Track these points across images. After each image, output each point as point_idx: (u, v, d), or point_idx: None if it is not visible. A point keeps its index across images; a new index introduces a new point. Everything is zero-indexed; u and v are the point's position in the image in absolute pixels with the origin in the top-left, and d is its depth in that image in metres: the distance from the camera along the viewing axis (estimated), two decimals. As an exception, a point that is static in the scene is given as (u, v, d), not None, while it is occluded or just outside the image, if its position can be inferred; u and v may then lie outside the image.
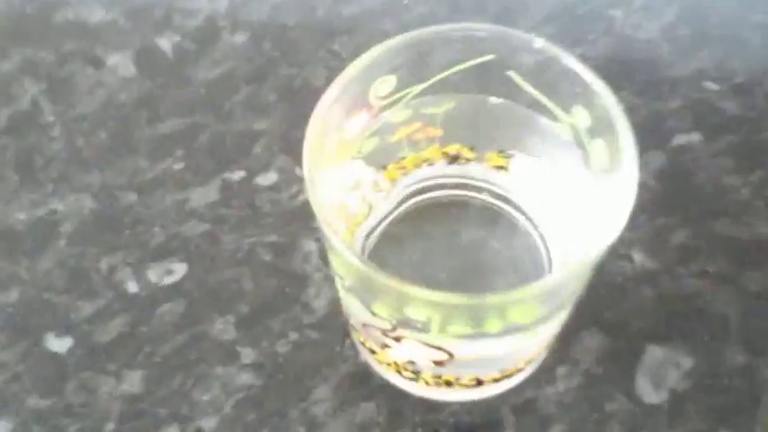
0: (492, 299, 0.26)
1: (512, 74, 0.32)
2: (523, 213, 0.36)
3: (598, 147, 0.30)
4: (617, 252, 0.39)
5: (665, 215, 0.40)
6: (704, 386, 0.36)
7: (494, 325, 0.28)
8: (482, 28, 0.31)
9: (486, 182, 0.36)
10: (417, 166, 0.36)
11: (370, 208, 0.35)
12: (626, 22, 0.46)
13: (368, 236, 0.35)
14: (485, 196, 0.36)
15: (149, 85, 0.44)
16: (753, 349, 0.37)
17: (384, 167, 0.35)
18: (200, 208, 0.41)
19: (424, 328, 0.29)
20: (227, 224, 0.40)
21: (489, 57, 0.31)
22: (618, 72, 0.44)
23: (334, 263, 0.30)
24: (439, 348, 0.31)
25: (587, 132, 0.31)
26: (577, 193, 0.32)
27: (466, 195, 0.36)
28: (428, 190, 0.36)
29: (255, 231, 0.40)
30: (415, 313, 0.28)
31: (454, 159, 0.36)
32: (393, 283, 0.27)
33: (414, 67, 0.32)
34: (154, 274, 0.39)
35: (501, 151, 0.35)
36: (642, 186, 0.39)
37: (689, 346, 0.37)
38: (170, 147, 0.43)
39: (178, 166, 0.42)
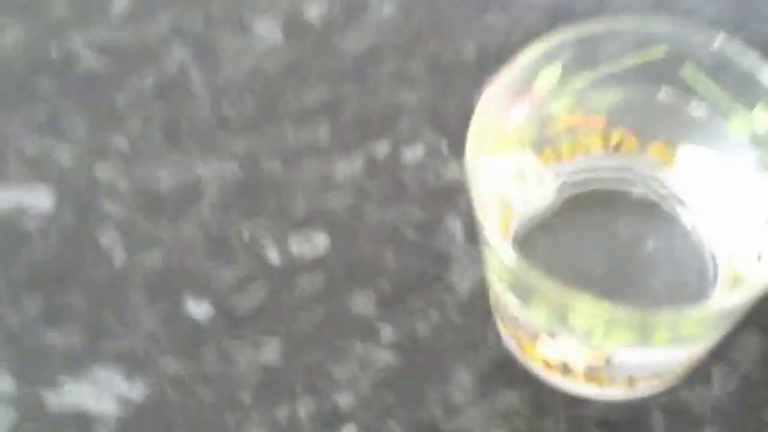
0: (663, 316, 0.25)
1: (686, 70, 0.30)
2: (687, 211, 0.34)
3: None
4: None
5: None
6: None
7: (662, 338, 0.27)
8: (656, 21, 0.29)
9: (649, 175, 0.34)
10: (574, 152, 0.34)
11: (526, 198, 0.34)
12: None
13: (521, 225, 0.34)
14: (645, 190, 0.34)
15: (296, 54, 0.44)
16: None
17: (540, 153, 0.34)
18: (344, 180, 0.40)
19: (586, 335, 0.28)
20: (370, 198, 0.40)
21: (661, 52, 0.30)
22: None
23: (489, 257, 0.29)
24: (597, 351, 0.29)
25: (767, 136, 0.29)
26: (749, 197, 0.31)
27: (625, 188, 0.35)
28: (586, 181, 0.35)
29: (399, 207, 0.39)
30: (577, 320, 0.27)
31: (616, 148, 0.34)
32: (554, 289, 0.26)
33: (581, 60, 0.30)
34: (295, 245, 0.39)
35: (667, 142, 0.33)
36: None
37: None
38: (315, 117, 0.42)
39: (323, 136, 0.41)
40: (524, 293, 0.29)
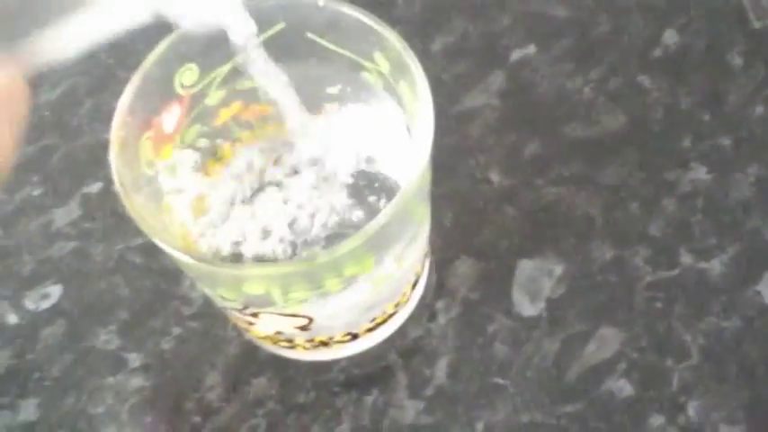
0: (317, 260, 0.27)
1: (310, 35, 0.32)
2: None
3: (402, 87, 0.31)
4: (474, 177, 0.40)
5: (514, 131, 0.41)
6: (578, 288, 0.37)
7: (333, 283, 0.29)
8: (266, 1, 0.31)
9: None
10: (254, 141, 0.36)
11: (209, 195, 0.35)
12: (445, -50, 0.46)
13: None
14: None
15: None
16: (619, 242, 0.38)
17: (221, 154, 0.35)
18: (64, 227, 0.41)
19: (269, 301, 0.29)
20: (93, 237, 0.40)
21: (282, 25, 0.32)
22: (446, 2, 0.45)
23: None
24: (294, 315, 0.31)
25: (391, 76, 0.31)
26: (399, 135, 0.33)
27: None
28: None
29: (122, 238, 0.40)
30: (253, 289, 0.29)
31: None
32: (218, 268, 0.27)
33: (211, 50, 0.32)
34: (31, 302, 0.39)
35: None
36: (487, 107, 0.40)
37: (558, 254, 0.38)
38: (25, 174, 0.42)
39: (37, 191, 0.42)
40: (209, 283, 0.30)
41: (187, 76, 0.32)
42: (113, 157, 0.29)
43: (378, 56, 0.31)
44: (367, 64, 0.32)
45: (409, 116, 0.32)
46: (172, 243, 0.27)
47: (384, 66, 0.31)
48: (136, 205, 0.28)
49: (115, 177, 0.28)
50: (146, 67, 0.30)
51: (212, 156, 0.34)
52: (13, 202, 0.42)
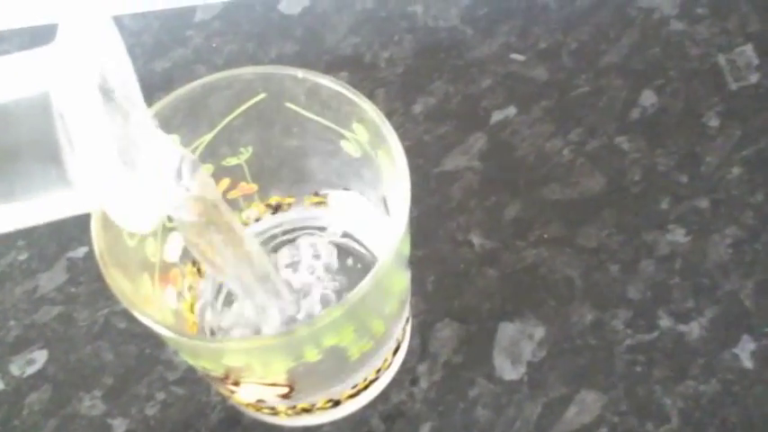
0: (296, 333, 0.27)
1: (289, 105, 0.33)
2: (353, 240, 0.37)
3: (380, 157, 0.31)
4: (456, 239, 0.40)
5: (495, 193, 0.41)
6: (559, 352, 0.38)
7: (312, 354, 0.29)
8: (247, 71, 0.32)
9: (310, 219, 0.37)
10: (245, 224, 0.37)
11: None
12: (426, 15, 0.47)
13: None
14: (311, 233, 0.37)
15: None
16: (598, 305, 0.38)
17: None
18: (50, 292, 0.41)
19: (249, 372, 0.30)
20: (78, 302, 0.41)
21: (262, 95, 0.32)
22: (428, 65, 0.45)
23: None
24: (275, 384, 0.31)
25: (369, 145, 0.32)
26: (381, 210, 0.33)
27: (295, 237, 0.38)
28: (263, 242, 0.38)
29: (107, 302, 0.41)
30: (233, 362, 0.29)
31: (277, 209, 0.37)
32: (198, 342, 0.28)
33: (192, 121, 0.32)
34: (16, 367, 0.40)
35: (316, 194, 0.36)
36: (468, 169, 0.41)
37: (538, 316, 0.38)
38: (11, 239, 0.43)
39: (22, 256, 0.42)
40: (190, 355, 0.31)
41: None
42: (95, 228, 0.29)
43: (356, 126, 0.31)
44: (346, 133, 0.32)
45: (386, 186, 0.32)
46: (151, 315, 0.28)
47: (363, 135, 0.32)
48: (115, 276, 0.28)
49: (96, 248, 0.29)
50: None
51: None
52: (0, 265, 0.42)
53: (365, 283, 0.28)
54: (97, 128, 0.21)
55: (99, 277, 0.40)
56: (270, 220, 0.38)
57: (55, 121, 0.21)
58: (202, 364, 0.31)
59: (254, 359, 0.29)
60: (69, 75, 0.21)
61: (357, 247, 0.38)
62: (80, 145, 0.21)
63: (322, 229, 0.38)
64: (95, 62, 0.22)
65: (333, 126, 0.33)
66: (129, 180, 0.23)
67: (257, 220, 0.37)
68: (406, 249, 0.31)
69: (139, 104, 0.25)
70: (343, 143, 0.33)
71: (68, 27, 0.22)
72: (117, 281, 0.28)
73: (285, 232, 0.38)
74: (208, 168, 0.34)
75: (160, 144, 0.26)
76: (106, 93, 0.23)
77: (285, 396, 0.33)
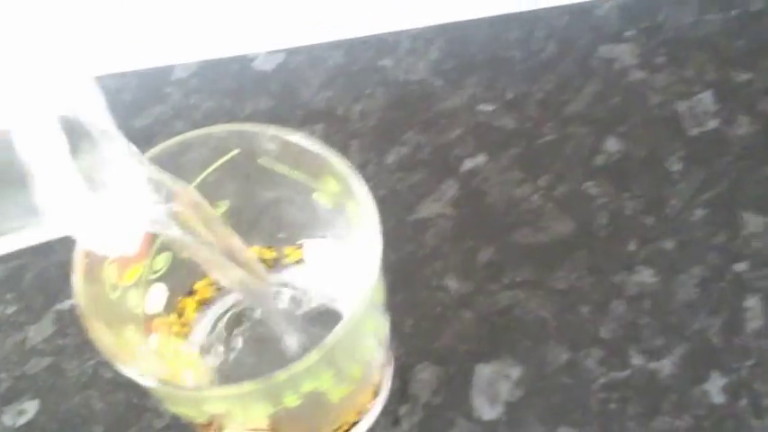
0: (274, 379, 0.28)
1: (262, 161, 0.34)
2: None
3: (351, 208, 0.32)
4: (431, 284, 0.41)
5: (468, 239, 0.43)
6: (535, 390, 0.38)
7: (292, 399, 0.30)
8: (221, 129, 0.33)
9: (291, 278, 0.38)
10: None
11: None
12: (397, 68, 0.48)
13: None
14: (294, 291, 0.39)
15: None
16: (572, 344, 0.39)
17: (193, 291, 0.37)
18: (39, 344, 0.42)
19: (232, 418, 0.30)
20: (66, 353, 0.41)
21: (236, 151, 0.33)
22: (399, 117, 0.47)
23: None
24: (257, 430, 0.32)
25: (340, 195, 0.33)
26: (354, 258, 0.34)
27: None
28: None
29: (95, 352, 0.41)
30: (214, 408, 0.30)
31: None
32: (178, 390, 0.28)
33: (175, 171, 0.33)
34: (8, 418, 0.40)
35: (293, 244, 0.37)
36: (441, 216, 0.42)
37: (514, 357, 0.39)
38: (0, 293, 0.43)
39: (10, 309, 0.43)
40: (173, 402, 0.31)
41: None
42: (76, 283, 0.30)
43: (327, 179, 0.33)
44: (318, 185, 0.33)
45: (358, 235, 0.33)
46: (133, 366, 0.28)
47: (333, 187, 0.33)
48: (97, 329, 0.29)
49: (78, 302, 0.30)
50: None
51: (186, 293, 0.36)
52: (-14, 321, 0.43)
53: (339, 329, 0.29)
54: (55, 155, 0.21)
55: (84, 330, 0.41)
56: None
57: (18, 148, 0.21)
58: (185, 412, 0.31)
59: (235, 406, 0.30)
60: (25, 105, 0.21)
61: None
62: (40, 173, 0.21)
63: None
64: (54, 93, 0.23)
65: (304, 180, 0.34)
66: (98, 204, 0.23)
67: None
68: (380, 296, 0.32)
69: (114, 133, 0.26)
70: (315, 195, 0.34)
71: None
72: (99, 333, 0.29)
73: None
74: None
75: (135, 164, 0.26)
76: (68, 121, 0.23)
77: (268, 441, 0.33)
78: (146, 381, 0.28)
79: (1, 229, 0.23)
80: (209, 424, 0.32)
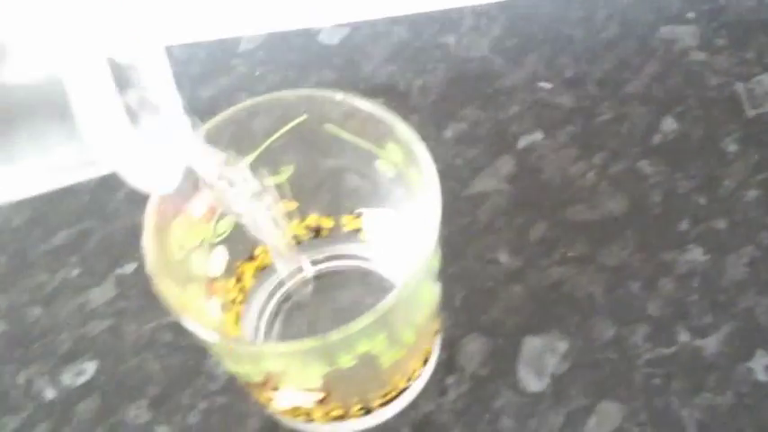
0: (330, 338, 0.29)
1: (328, 127, 0.35)
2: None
3: (412, 174, 0.33)
4: (483, 258, 0.42)
5: (522, 214, 0.43)
6: (581, 364, 0.39)
7: (346, 360, 0.31)
8: (290, 94, 0.34)
9: (348, 249, 0.40)
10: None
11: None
12: (458, 45, 0.49)
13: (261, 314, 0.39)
14: (351, 262, 0.40)
15: (38, 203, 0.47)
16: (619, 320, 0.40)
17: (252, 256, 0.38)
18: (100, 306, 0.44)
19: (288, 377, 0.32)
20: (126, 316, 0.43)
21: (304, 116, 0.35)
22: (459, 92, 0.48)
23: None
24: (311, 390, 0.33)
25: (403, 163, 0.34)
26: (413, 227, 0.36)
27: (337, 266, 0.41)
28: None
29: (153, 316, 0.43)
30: (272, 366, 0.31)
31: (317, 232, 0.39)
32: (238, 346, 0.30)
33: (236, 142, 0.34)
34: (68, 377, 0.42)
35: (351, 213, 0.39)
36: (496, 191, 0.43)
37: (562, 331, 0.40)
38: (65, 256, 0.45)
39: (75, 271, 0.45)
40: (232, 360, 0.33)
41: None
42: (147, 241, 0.31)
43: (390, 146, 0.34)
44: (381, 153, 0.34)
45: (418, 203, 0.34)
46: (198, 322, 0.30)
47: (396, 155, 0.34)
48: (164, 286, 0.31)
49: (147, 261, 0.31)
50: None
51: (246, 258, 0.37)
52: (53, 282, 0.45)
53: (396, 292, 0.30)
54: (102, 90, 0.22)
55: (146, 292, 0.42)
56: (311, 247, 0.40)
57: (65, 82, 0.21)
58: (243, 370, 0.33)
59: (292, 364, 0.31)
60: (74, 38, 0.21)
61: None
62: (86, 107, 0.21)
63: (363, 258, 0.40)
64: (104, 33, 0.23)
65: (368, 147, 0.35)
66: (140, 139, 0.23)
67: (298, 243, 0.39)
68: (435, 264, 0.33)
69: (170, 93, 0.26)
70: (377, 163, 0.35)
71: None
72: (166, 290, 0.31)
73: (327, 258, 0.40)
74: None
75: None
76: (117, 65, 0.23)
77: (320, 402, 0.35)
78: (209, 336, 0.29)
79: (45, 163, 0.23)
80: (265, 383, 0.33)
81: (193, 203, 0.35)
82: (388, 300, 0.30)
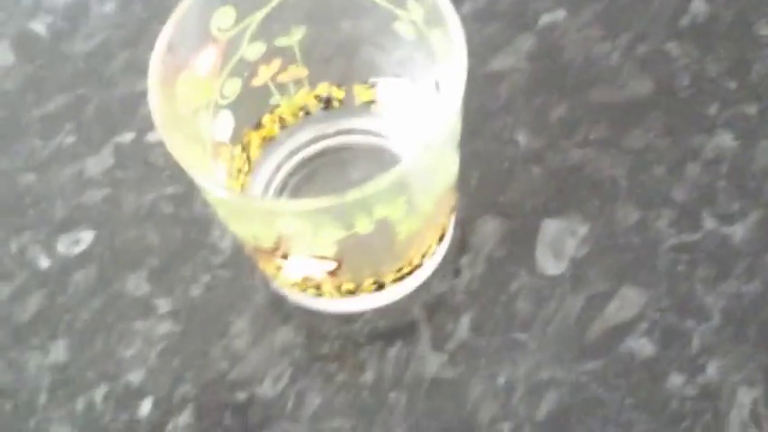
0: (347, 198, 0.27)
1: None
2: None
3: (435, 36, 0.31)
4: (501, 138, 0.40)
5: (542, 94, 0.41)
6: (601, 248, 0.38)
7: (364, 224, 0.30)
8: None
9: (361, 123, 0.38)
10: (294, 115, 0.37)
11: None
12: None
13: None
14: (363, 137, 0.38)
15: (31, 68, 0.45)
16: (643, 204, 0.38)
17: (259, 124, 0.36)
18: (96, 175, 0.42)
19: (300, 241, 0.30)
20: (124, 185, 0.41)
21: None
22: (478, -34, 0.45)
23: (208, 198, 0.31)
24: (324, 258, 0.32)
25: (425, 24, 0.32)
26: (431, 99, 0.34)
27: (348, 141, 0.39)
28: (313, 141, 0.39)
29: (153, 186, 0.41)
30: (285, 226, 0.29)
31: (327, 103, 0.37)
32: (252, 203, 0.28)
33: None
34: (63, 246, 0.40)
35: (365, 82, 0.37)
36: (516, 70, 0.40)
37: (582, 214, 0.38)
38: (60, 123, 0.43)
39: (70, 139, 0.43)
40: (243, 221, 0.31)
41: (223, 18, 0.32)
42: (152, 89, 0.29)
43: (411, 4, 0.31)
44: (401, 13, 0.32)
45: (440, 67, 0.32)
46: (210, 179, 0.28)
47: (417, 14, 0.31)
48: (174, 141, 0.29)
49: (155, 115, 0.29)
50: (184, 6, 0.30)
51: (252, 126, 0.35)
52: (47, 148, 0.43)
53: (419, 154, 0.28)
54: None
55: (146, 163, 0.41)
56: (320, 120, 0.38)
57: None
58: (253, 231, 0.31)
59: (306, 225, 0.29)
60: None
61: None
62: None
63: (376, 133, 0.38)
64: None
65: (387, 5, 0.33)
66: None
67: (307, 113, 0.37)
68: (458, 130, 0.31)
69: None
70: (396, 25, 0.33)
71: None
72: (175, 143, 0.29)
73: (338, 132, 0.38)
74: (260, 48, 0.34)
75: None
76: None
77: (332, 273, 0.33)
78: (220, 192, 0.27)
79: None
80: (274, 250, 0.31)
81: (199, 59, 0.32)
82: (410, 161, 0.28)
